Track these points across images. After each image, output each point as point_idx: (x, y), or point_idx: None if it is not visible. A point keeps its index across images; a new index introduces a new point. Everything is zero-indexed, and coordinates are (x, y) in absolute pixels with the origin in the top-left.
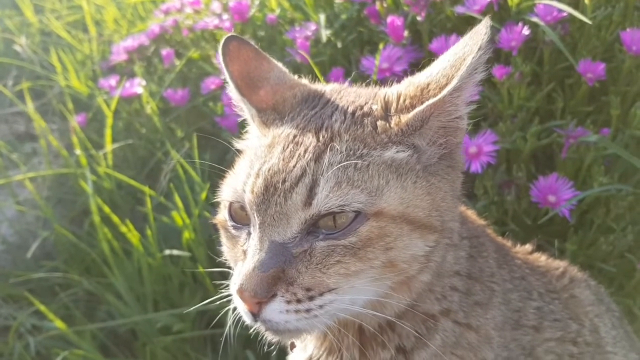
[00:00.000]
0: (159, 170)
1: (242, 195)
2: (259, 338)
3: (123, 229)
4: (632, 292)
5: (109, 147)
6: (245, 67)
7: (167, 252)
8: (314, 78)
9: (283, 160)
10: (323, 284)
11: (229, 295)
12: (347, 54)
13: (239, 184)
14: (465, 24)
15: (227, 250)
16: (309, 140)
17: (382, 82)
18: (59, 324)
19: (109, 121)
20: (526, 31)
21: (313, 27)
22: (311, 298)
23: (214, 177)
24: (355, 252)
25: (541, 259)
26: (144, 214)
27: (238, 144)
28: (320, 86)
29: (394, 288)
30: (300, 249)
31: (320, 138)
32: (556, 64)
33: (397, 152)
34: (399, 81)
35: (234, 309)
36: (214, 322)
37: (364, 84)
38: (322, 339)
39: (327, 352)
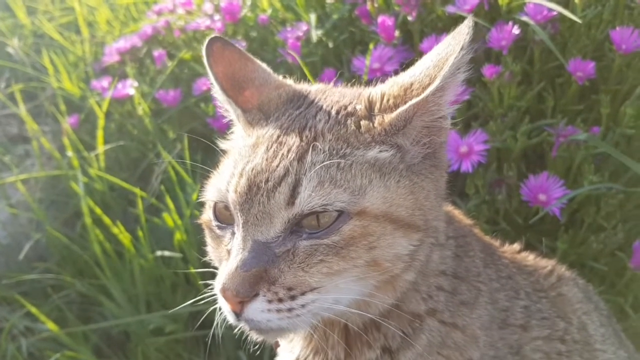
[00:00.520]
0: (151, 171)
1: (226, 195)
2: (245, 336)
3: (115, 230)
4: (623, 290)
5: (100, 148)
6: (229, 68)
7: (159, 253)
8: (306, 78)
9: (266, 160)
10: (305, 284)
11: (215, 294)
12: (339, 54)
13: (223, 183)
14: (456, 24)
15: (211, 250)
16: (293, 140)
17: (372, 82)
18: (51, 325)
19: (101, 122)
20: (516, 30)
21: (304, 27)
22: (293, 297)
23: (205, 179)
24: (338, 251)
25: (529, 258)
26: (136, 216)
27: (223, 144)
28: (306, 86)
29: (379, 287)
30: (284, 248)
31: (304, 138)
32: (546, 63)
33: (381, 151)
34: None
35: (220, 308)
36: (206, 323)
37: (349, 84)
38: (308, 339)
39: (313, 352)
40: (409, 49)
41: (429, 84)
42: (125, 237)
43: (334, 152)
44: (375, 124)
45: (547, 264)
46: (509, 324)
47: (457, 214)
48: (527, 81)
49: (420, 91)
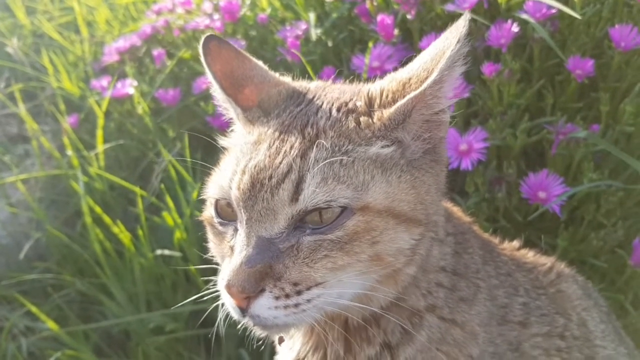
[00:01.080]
0: (151, 170)
1: (229, 192)
2: (248, 333)
3: (115, 229)
4: (624, 288)
5: (100, 148)
6: (227, 66)
7: (159, 252)
8: (306, 77)
9: (269, 156)
10: (310, 279)
11: (217, 291)
12: (338, 53)
13: (225, 180)
14: (455, 22)
15: (214, 247)
16: (295, 137)
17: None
18: (51, 325)
19: (101, 122)
20: (515, 28)
21: (304, 26)
22: (299, 292)
23: (206, 176)
24: (342, 246)
25: (528, 255)
26: (136, 215)
27: (223, 141)
28: (305, 83)
29: (381, 281)
30: (288, 244)
31: (306, 135)
32: (546, 61)
33: (382, 147)
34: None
35: (223, 304)
36: (207, 321)
37: (348, 81)
38: (308, 335)
39: (313, 348)
40: (409, 48)
41: (426, 78)
42: (125, 236)
43: (337, 148)
44: (375, 120)
45: (546, 261)
46: (508, 320)
47: (456, 211)
48: (527, 79)
49: (418, 85)
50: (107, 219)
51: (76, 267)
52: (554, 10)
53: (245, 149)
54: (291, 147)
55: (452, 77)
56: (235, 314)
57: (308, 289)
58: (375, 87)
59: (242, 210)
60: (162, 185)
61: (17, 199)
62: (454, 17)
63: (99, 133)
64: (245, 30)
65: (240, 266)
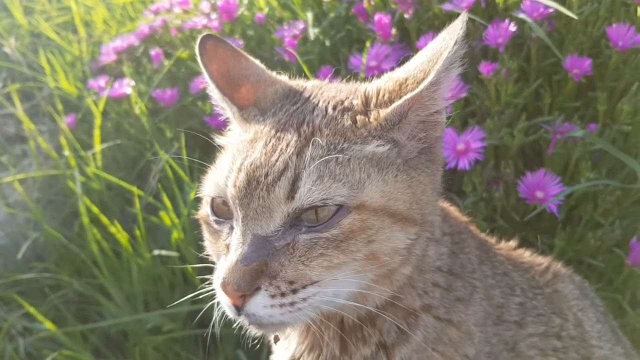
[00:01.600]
0: (148, 170)
1: (225, 189)
2: (244, 332)
3: (112, 229)
4: (621, 287)
5: (97, 148)
6: (224, 65)
7: (157, 252)
8: (303, 77)
9: (265, 154)
10: (306, 277)
11: (213, 290)
12: (336, 52)
13: (221, 178)
14: (452, 22)
15: (209, 245)
16: (291, 135)
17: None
18: (48, 325)
19: (98, 122)
20: (513, 28)
21: (301, 25)
22: (294, 291)
23: (203, 176)
24: (337, 244)
25: (525, 255)
26: (134, 215)
27: (220, 140)
28: (301, 82)
29: (376, 280)
30: (283, 242)
31: (302, 133)
32: (543, 61)
33: (378, 146)
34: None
35: (219, 303)
36: (205, 321)
37: (345, 80)
38: (304, 335)
39: (309, 348)
40: (406, 47)
41: (423, 79)
42: (122, 236)
43: (332, 146)
44: (371, 119)
45: (543, 260)
46: (504, 320)
47: (453, 211)
48: (524, 78)
49: (414, 86)
50: (104, 219)
51: (74, 267)
52: (551, 10)
53: (241, 147)
54: (287, 145)
55: (448, 78)
56: (230, 313)
57: (304, 287)
58: (372, 87)
59: (237, 208)
60: (160, 185)
61: (15, 199)
62: (451, 16)
63: (97, 133)
64: (243, 30)
65: (236, 264)
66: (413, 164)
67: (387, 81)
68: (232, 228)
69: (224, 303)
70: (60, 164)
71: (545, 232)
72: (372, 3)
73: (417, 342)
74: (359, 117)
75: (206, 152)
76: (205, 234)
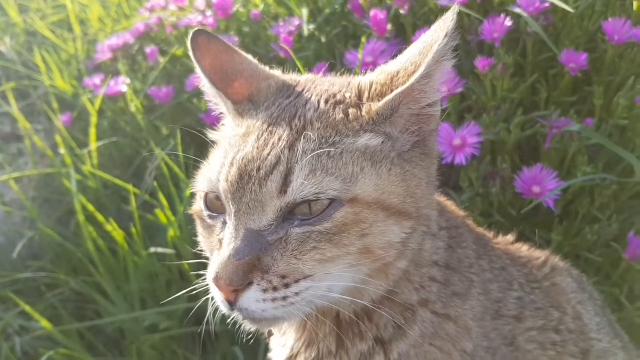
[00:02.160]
0: (144, 168)
1: (217, 184)
2: (238, 328)
3: (108, 227)
4: (619, 281)
5: (93, 146)
6: (217, 60)
7: (153, 250)
8: (297, 71)
9: (257, 148)
10: (299, 271)
11: (208, 285)
12: (332, 49)
13: (213, 174)
14: None
15: (203, 240)
16: (283, 129)
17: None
18: (45, 324)
19: (94, 120)
20: (509, 22)
21: (297, 22)
22: (287, 285)
23: (197, 172)
24: (330, 238)
25: (523, 249)
26: (130, 213)
27: (213, 135)
28: (295, 76)
29: (372, 275)
30: (276, 236)
31: (294, 126)
32: (539, 55)
33: (370, 139)
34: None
35: (213, 299)
36: (202, 319)
37: (339, 74)
38: (301, 332)
39: (306, 344)
40: (402, 43)
41: (413, 72)
42: (118, 235)
43: (324, 140)
44: (364, 112)
45: (540, 255)
46: (503, 315)
47: (450, 205)
48: (520, 73)
49: (405, 79)
50: (100, 217)
51: (70, 265)
52: (547, 4)
53: (233, 142)
54: (279, 139)
55: (440, 71)
56: (224, 308)
57: (296, 281)
58: (365, 80)
59: (230, 203)
60: (156, 183)
61: (11, 198)
62: (447, 11)
63: (92, 131)
64: (239, 27)
65: (229, 259)
66: (407, 158)
67: (380, 74)
68: (225, 223)
69: (217, 298)
70: (56, 162)
71: (542, 226)
72: None
73: (415, 338)
74: (351, 111)
75: (202, 149)
76: (199, 230)
